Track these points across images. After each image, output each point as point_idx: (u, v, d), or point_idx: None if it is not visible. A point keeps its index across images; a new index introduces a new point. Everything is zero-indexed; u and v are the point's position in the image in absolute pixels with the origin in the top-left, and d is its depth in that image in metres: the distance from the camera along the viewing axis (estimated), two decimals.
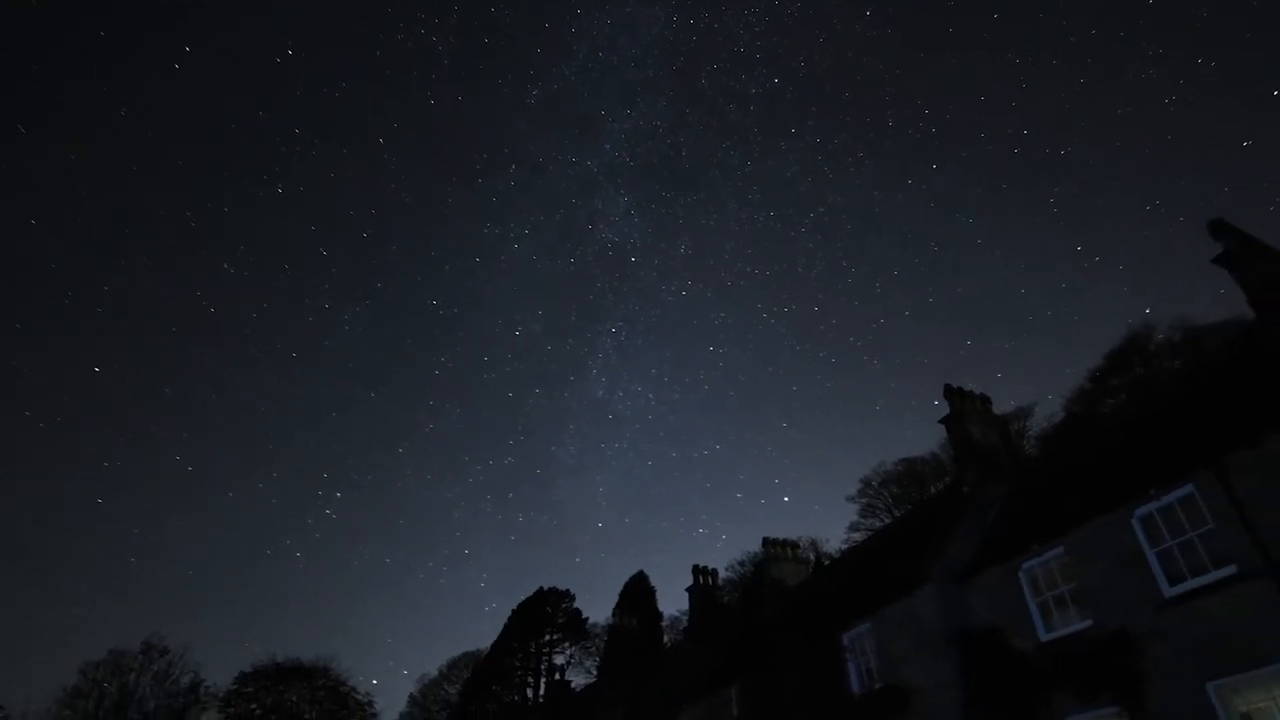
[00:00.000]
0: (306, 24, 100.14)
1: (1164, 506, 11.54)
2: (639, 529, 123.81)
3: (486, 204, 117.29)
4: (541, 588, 44.82)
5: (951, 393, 19.38)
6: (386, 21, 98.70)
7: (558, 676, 42.30)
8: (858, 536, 38.83)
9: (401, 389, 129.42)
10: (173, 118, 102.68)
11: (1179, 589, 11.07)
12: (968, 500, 17.29)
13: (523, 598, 45.00)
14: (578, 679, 43.93)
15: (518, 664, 42.68)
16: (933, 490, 35.44)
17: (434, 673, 54.89)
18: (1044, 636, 13.09)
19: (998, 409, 20.03)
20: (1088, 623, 12.36)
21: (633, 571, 63.68)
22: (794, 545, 27.62)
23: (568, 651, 44.46)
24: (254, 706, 40.54)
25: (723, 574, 36.27)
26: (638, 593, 38.82)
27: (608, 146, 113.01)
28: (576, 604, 44.98)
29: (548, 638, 43.73)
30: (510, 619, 44.12)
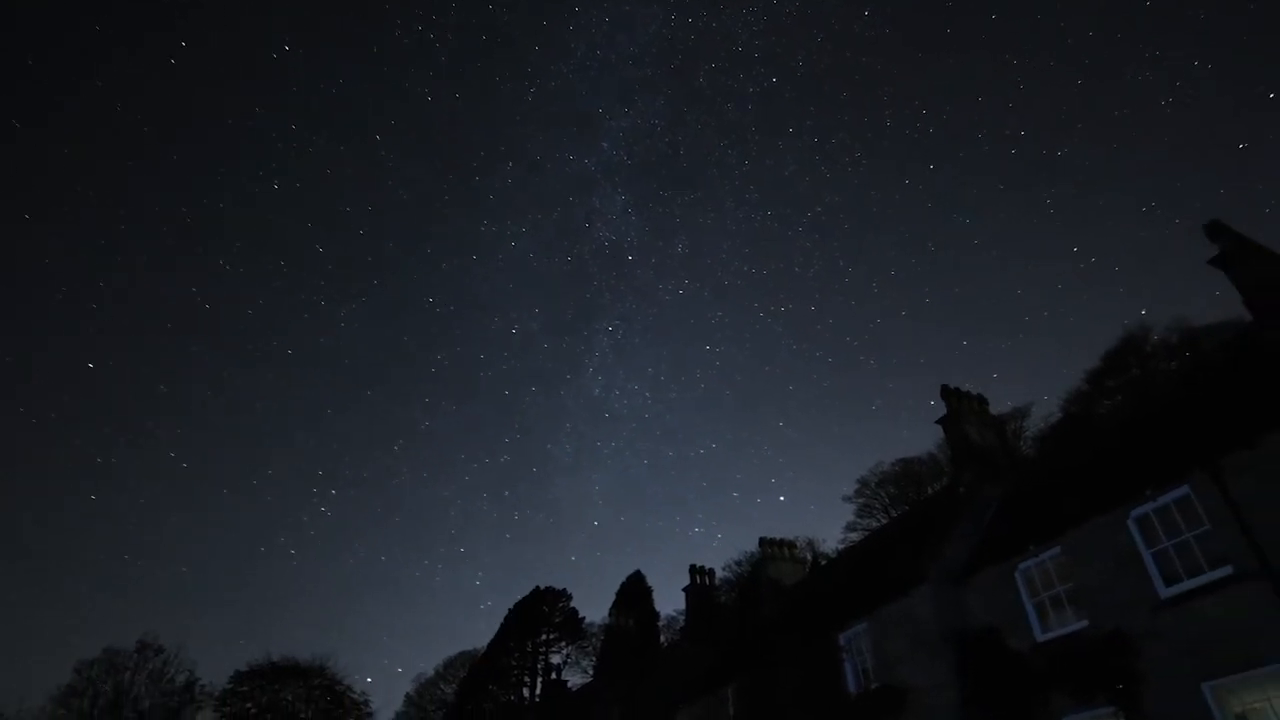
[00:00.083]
0: (304, 21, 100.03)
1: (1160, 507, 11.56)
2: (635, 528, 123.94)
3: (484, 202, 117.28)
4: (538, 587, 44.82)
5: (948, 393, 19.40)
6: (384, 19, 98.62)
7: (554, 676, 42.29)
8: (855, 536, 38.87)
9: (398, 387, 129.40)
10: (169, 115, 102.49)
11: (1175, 590, 11.09)
12: (964, 501, 17.31)
13: (518, 596, 45.09)
14: (574, 678, 43.99)
15: (514, 663, 42.67)
16: (929, 490, 35.51)
17: (430, 672, 54.87)
18: (1040, 637, 13.11)
19: (994, 409, 20.06)
20: (1084, 623, 12.37)
21: (628, 570, 63.79)
22: (791, 545, 27.63)
23: (564, 651, 44.48)
24: (249, 706, 40.45)
25: (720, 574, 36.24)
26: (634, 592, 38.82)
27: (605, 145, 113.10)
28: (573, 603, 45.03)
29: (544, 637, 43.72)
30: (507, 618, 44.10)
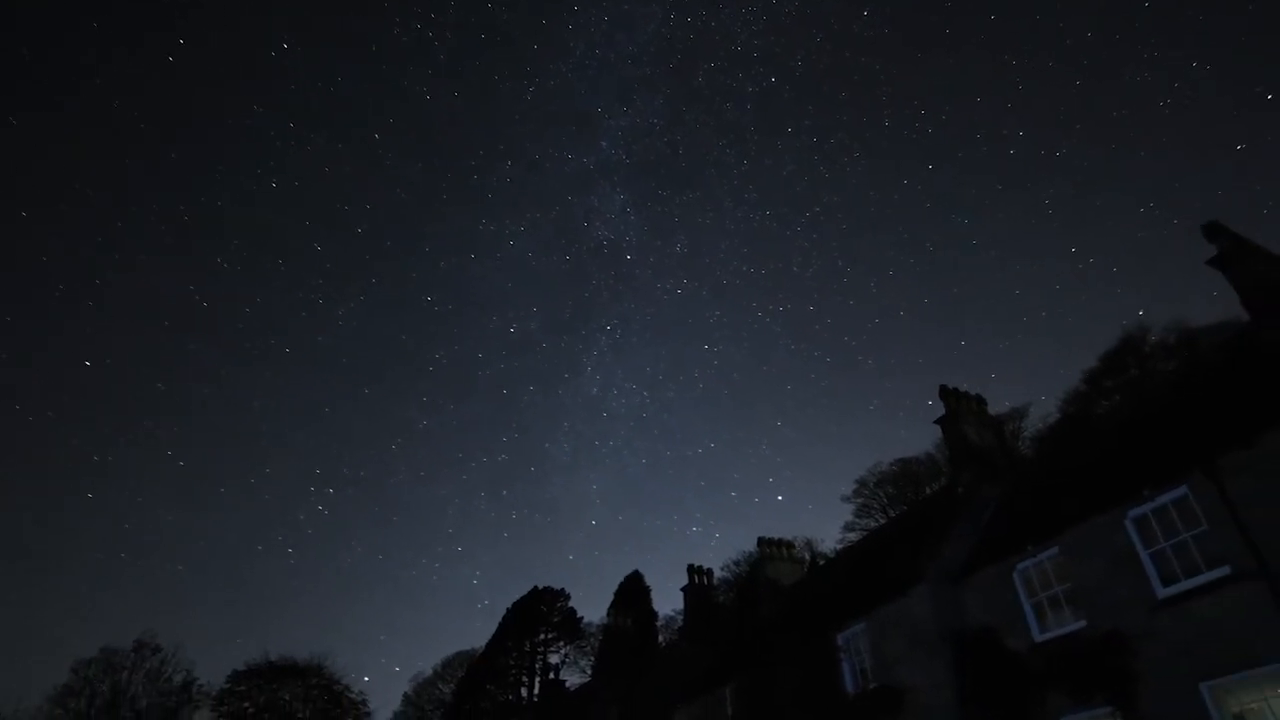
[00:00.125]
0: (302, 19, 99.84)
1: (1158, 507, 11.58)
2: (632, 527, 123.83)
3: (482, 201, 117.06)
4: (536, 587, 44.82)
5: (947, 393, 19.42)
6: (383, 17, 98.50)
7: (552, 676, 42.29)
8: (853, 536, 38.90)
9: (396, 385, 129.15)
10: (168, 113, 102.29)
11: (1172, 590, 11.11)
12: (963, 501, 17.33)
13: (516, 596, 45.11)
14: (572, 678, 43.97)
15: (512, 663, 42.67)
16: (928, 490, 35.54)
17: (428, 671, 54.83)
18: (1038, 637, 13.12)
19: (992, 410, 20.08)
20: (1082, 623, 12.39)
21: (626, 570, 63.84)
22: (789, 545, 27.65)
23: (562, 651, 44.48)
24: (247, 705, 40.40)
25: (718, 573, 36.22)
26: (633, 592, 38.85)
27: (604, 144, 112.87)
28: (571, 603, 45.03)
29: (542, 637, 43.73)
30: (505, 618, 44.10)
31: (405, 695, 54.35)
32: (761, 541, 26.93)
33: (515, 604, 44.21)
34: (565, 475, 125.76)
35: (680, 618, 36.33)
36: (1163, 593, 11.22)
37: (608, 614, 38.78)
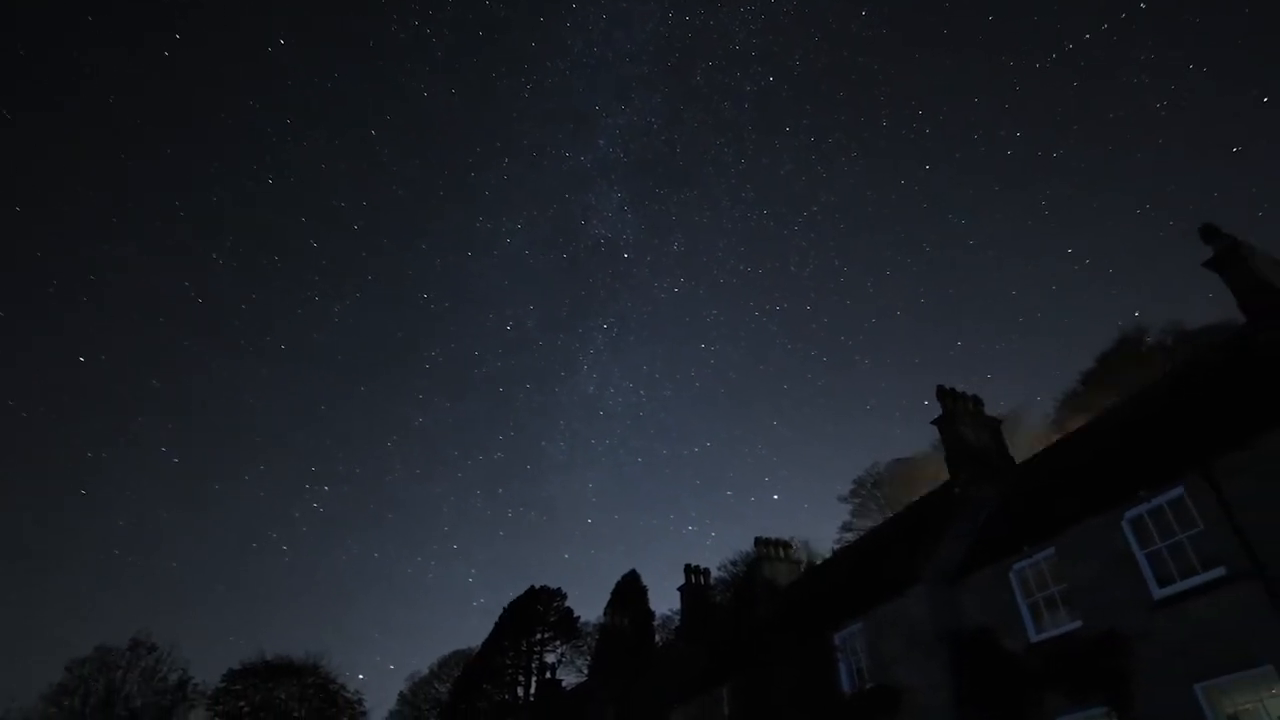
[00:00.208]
0: (300, 16, 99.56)
1: (1154, 508, 11.60)
2: (629, 526, 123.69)
3: (479, 198, 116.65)
4: (533, 586, 44.82)
5: (944, 393, 19.44)
6: (381, 15, 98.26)
7: (549, 675, 42.26)
8: (850, 536, 38.97)
9: (391, 383, 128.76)
10: (165, 111, 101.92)
11: (1168, 590, 11.14)
12: (959, 501, 17.35)
13: (512, 594, 45.14)
14: (569, 678, 43.96)
15: (509, 662, 42.67)
16: (925, 491, 35.56)
17: (424, 670, 54.77)
18: (1035, 637, 13.15)
19: (989, 410, 20.11)
20: (1078, 624, 12.41)
21: (623, 569, 63.77)
22: (786, 545, 27.66)
23: (559, 650, 44.49)
24: (243, 704, 40.36)
25: (715, 573, 36.22)
26: (629, 592, 38.89)
27: (602, 142, 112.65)
28: (567, 602, 45.02)
29: (539, 636, 43.73)
30: (501, 617, 44.10)
31: (401, 694, 54.33)
32: (759, 541, 26.94)
33: (512, 603, 44.23)
34: (561, 474, 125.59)
35: (677, 617, 36.34)
36: (1159, 594, 11.24)
37: (604, 613, 38.78)
